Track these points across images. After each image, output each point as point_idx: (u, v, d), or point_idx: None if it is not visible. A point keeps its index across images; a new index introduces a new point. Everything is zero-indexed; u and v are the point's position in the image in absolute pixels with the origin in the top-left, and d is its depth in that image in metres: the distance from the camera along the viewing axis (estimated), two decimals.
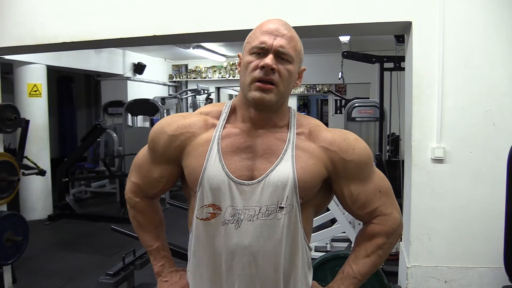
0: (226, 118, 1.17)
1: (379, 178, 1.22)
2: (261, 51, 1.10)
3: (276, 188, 1.10)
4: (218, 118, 1.18)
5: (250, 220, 1.10)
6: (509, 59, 2.22)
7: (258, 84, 1.09)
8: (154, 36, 2.64)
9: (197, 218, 1.14)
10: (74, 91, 8.63)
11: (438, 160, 2.27)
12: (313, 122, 1.21)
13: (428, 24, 2.27)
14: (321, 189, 1.18)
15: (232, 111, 1.19)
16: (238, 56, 1.19)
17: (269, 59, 1.08)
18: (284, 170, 1.10)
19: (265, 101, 1.09)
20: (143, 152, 1.28)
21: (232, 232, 1.10)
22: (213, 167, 1.11)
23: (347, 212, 4.63)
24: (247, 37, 1.16)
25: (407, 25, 2.36)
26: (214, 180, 1.10)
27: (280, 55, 1.10)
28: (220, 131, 1.15)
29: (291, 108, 1.23)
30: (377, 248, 1.20)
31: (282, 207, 1.10)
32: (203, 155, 1.12)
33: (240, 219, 1.10)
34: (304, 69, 1.19)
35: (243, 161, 1.12)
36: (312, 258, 1.26)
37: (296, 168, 1.10)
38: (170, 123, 1.19)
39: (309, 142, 1.15)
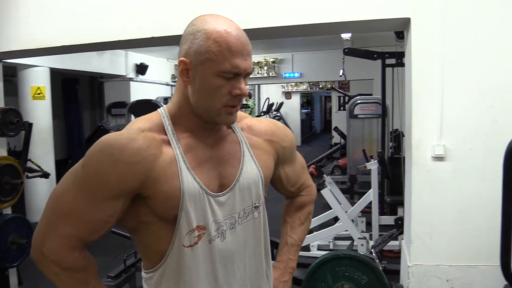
0: (174, 132, 1.06)
1: (299, 155, 1.36)
2: (232, 76, 1.01)
3: (249, 190, 1.13)
4: (162, 132, 1.05)
5: (232, 228, 1.11)
6: (511, 54, 2.18)
7: (230, 109, 1.04)
8: (152, 37, 2.64)
9: (184, 246, 1.04)
10: (79, 92, 8.66)
11: (439, 158, 2.25)
12: (240, 114, 1.17)
13: (427, 21, 2.25)
14: None
15: (174, 122, 1.08)
16: (184, 62, 1.03)
17: (244, 85, 1.03)
18: (252, 171, 1.13)
19: (234, 121, 1.10)
20: (71, 193, 1.01)
21: (219, 245, 1.09)
22: (190, 186, 1.03)
23: (349, 211, 4.63)
24: (205, 51, 1.00)
25: (406, 22, 2.34)
26: (196, 199, 1.04)
27: (246, 75, 1.05)
28: (179, 146, 1.05)
29: None
30: (308, 215, 1.39)
31: (257, 206, 1.15)
32: (175, 177, 1.02)
33: (224, 230, 1.09)
34: None
35: (210, 171, 1.08)
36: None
37: (260, 166, 1.15)
38: (121, 148, 0.98)
39: (256, 138, 1.19)
